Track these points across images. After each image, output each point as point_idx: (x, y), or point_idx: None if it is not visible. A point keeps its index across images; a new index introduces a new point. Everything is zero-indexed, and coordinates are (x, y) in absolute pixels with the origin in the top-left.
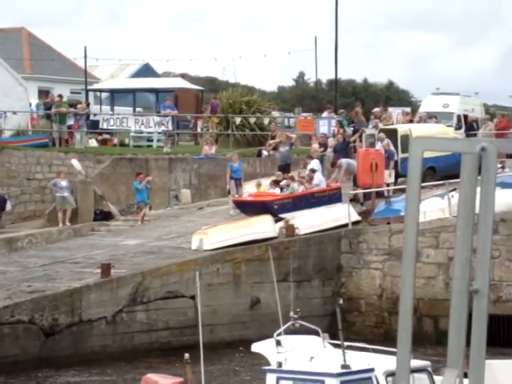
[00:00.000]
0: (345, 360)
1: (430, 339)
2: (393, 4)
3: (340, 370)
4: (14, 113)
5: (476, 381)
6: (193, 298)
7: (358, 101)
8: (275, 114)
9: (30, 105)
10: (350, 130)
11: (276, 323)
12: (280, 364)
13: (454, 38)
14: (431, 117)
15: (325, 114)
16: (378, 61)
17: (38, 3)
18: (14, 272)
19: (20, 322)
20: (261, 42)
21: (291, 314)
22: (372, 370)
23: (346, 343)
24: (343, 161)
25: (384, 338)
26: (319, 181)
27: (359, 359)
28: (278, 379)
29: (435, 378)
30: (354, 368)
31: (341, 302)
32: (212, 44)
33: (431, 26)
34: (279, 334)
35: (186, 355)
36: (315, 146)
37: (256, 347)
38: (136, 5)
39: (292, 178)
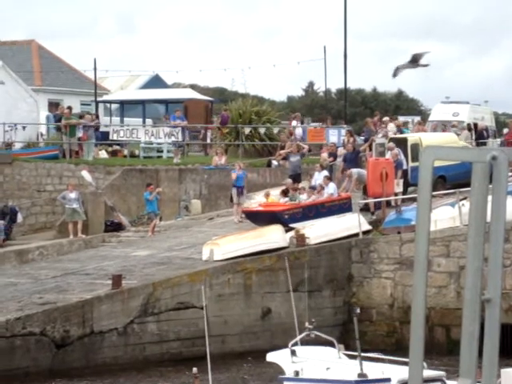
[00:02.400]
0: (362, 369)
1: (442, 348)
2: (403, 13)
3: (357, 379)
4: (23, 128)
5: None
6: (203, 308)
7: (368, 110)
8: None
9: (48, 118)
10: (360, 139)
11: (287, 333)
12: (297, 373)
13: (464, 47)
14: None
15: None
16: (388, 70)
17: (51, 15)
18: (25, 284)
19: (31, 333)
20: (270, 52)
21: (306, 324)
22: (388, 379)
23: (362, 354)
24: (354, 170)
25: (396, 347)
26: (334, 189)
27: (374, 369)
28: None
29: None
30: (370, 377)
31: (358, 311)
32: (221, 54)
33: (441, 36)
34: (294, 344)
35: (194, 369)
36: (324, 155)
37: (271, 357)
38: (148, 16)
39: (295, 189)
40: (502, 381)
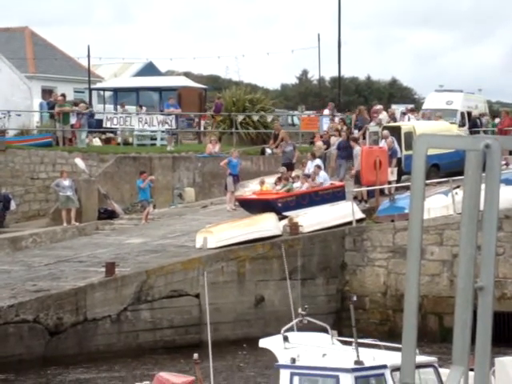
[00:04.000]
0: (358, 356)
1: (435, 336)
2: (399, 2)
3: (354, 366)
4: (19, 114)
5: (481, 377)
6: (197, 296)
7: (362, 98)
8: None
9: (42, 105)
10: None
11: (280, 321)
12: (294, 360)
13: (460, 36)
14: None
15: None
16: (383, 58)
17: (47, 2)
18: (18, 271)
19: (25, 321)
20: (264, 41)
21: (299, 310)
22: (385, 366)
23: (352, 340)
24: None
25: (388, 335)
26: (323, 179)
27: (367, 355)
28: (292, 375)
29: (441, 372)
30: (366, 364)
31: (354, 298)
32: (216, 42)
33: (436, 24)
34: (287, 330)
35: (195, 355)
36: (319, 143)
37: (263, 343)
38: (144, 4)
39: (286, 179)
40: (495, 369)
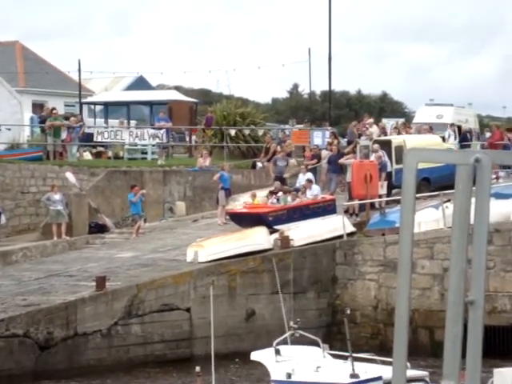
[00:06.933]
0: (353, 369)
1: (426, 350)
2: (392, 16)
3: (350, 380)
4: (9, 129)
5: None
6: (188, 310)
7: (352, 112)
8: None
9: (32, 119)
10: (343, 141)
11: (271, 335)
12: (289, 375)
13: (452, 50)
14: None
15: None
16: (376, 73)
17: (40, 16)
18: (8, 285)
19: (15, 335)
20: (256, 55)
21: (291, 323)
22: (380, 378)
23: (343, 353)
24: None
25: (379, 349)
26: (318, 191)
27: (359, 369)
28: None
29: None
30: (361, 377)
31: (348, 311)
32: (207, 56)
33: (427, 38)
34: (279, 344)
35: (198, 368)
36: (293, 161)
37: (255, 356)
38: (137, 19)
39: (284, 191)
40: (494, 380)
